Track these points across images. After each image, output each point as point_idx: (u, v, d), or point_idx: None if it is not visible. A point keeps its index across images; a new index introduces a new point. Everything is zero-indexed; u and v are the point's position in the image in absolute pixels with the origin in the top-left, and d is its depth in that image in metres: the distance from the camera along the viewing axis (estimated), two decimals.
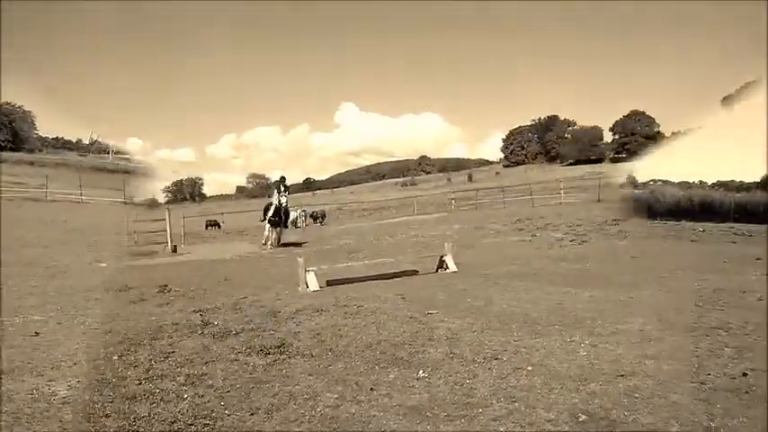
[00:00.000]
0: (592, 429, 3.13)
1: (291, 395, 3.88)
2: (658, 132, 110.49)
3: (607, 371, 4.04)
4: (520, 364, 4.31)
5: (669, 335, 4.87)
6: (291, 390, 3.98)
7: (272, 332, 5.54)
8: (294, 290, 8.03)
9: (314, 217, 34.07)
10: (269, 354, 4.81)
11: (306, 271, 8.24)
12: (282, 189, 17.06)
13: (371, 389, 3.95)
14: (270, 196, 17.37)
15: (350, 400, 3.77)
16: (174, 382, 4.14)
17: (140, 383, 4.13)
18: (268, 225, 16.92)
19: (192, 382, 4.14)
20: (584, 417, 3.29)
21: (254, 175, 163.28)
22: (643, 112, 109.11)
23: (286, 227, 18.16)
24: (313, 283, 8.16)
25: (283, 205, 16.83)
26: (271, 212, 16.97)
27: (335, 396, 3.84)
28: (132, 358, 4.77)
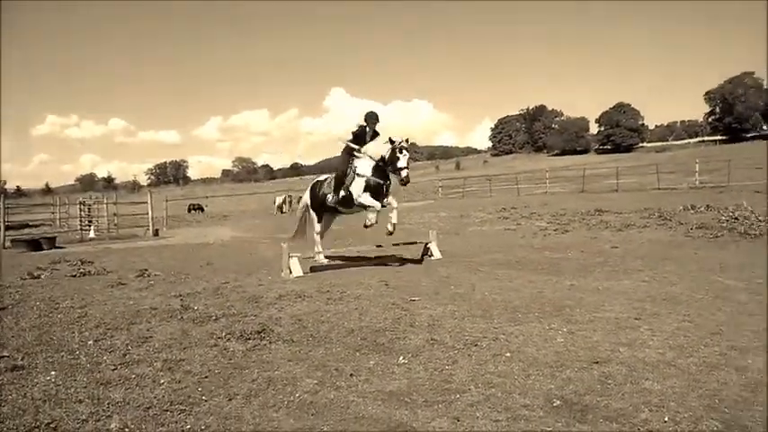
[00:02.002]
0: (565, 414, 3.17)
1: (270, 381, 3.88)
2: (642, 125, 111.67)
3: (583, 357, 4.09)
4: (499, 350, 4.34)
5: (643, 323, 4.93)
6: (271, 375, 3.98)
7: (252, 317, 5.52)
8: (277, 275, 8.01)
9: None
10: (249, 339, 4.80)
11: (289, 256, 8.22)
12: (371, 137, 9.10)
13: (351, 374, 3.96)
14: (354, 154, 9.06)
15: (329, 385, 3.77)
16: (150, 368, 4.12)
17: (116, 369, 4.11)
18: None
19: (170, 368, 4.12)
20: (558, 402, 3.33)
21: (240, 159, 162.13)
22: (628, 105, 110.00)
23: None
24: (296, 268, 8.15)
25: (403, 173, 8.47)
26: (360, 188, 8.79)
27: (315, 381, 3.84)
28: (108, 343, 4.75)
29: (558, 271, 7.94)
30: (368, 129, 9.15)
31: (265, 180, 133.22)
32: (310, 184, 10.25)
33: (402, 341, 4.69)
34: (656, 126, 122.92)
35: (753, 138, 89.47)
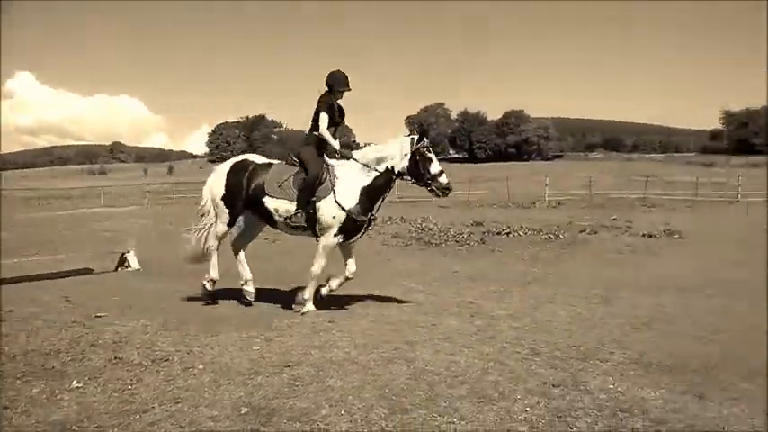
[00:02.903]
0: (251, 420, 3.21)
1: None
2: (354, 141, 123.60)
3: (276, 362, 4.21)
4: (191, 363, 4.18)
5: (336, 326, 5.34)
6: None
7: None
8: None
9: None
10: None
11: None
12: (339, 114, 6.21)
13: (5, 407, 3.34)
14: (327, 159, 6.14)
15: None
16: None
17: None
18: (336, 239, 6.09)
19: None
20: (246, 409, 3.35)
21: None
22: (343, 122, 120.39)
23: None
24: None
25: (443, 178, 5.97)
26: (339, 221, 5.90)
27: None
28: None
29: (265, 280, 8.07)
30: (333, 102, 5.98)
31: None
32: (228, 164, 6.48)
33: (79, 363, 4.15)
34: (366, 144, 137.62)
35: (441, 160, 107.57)
